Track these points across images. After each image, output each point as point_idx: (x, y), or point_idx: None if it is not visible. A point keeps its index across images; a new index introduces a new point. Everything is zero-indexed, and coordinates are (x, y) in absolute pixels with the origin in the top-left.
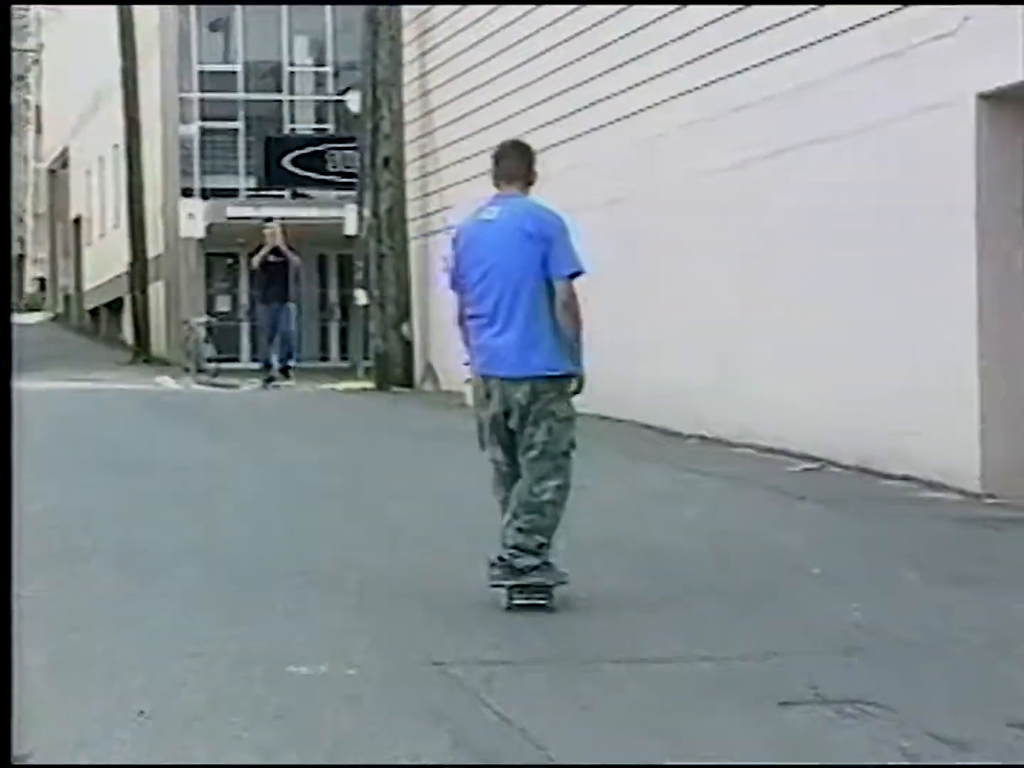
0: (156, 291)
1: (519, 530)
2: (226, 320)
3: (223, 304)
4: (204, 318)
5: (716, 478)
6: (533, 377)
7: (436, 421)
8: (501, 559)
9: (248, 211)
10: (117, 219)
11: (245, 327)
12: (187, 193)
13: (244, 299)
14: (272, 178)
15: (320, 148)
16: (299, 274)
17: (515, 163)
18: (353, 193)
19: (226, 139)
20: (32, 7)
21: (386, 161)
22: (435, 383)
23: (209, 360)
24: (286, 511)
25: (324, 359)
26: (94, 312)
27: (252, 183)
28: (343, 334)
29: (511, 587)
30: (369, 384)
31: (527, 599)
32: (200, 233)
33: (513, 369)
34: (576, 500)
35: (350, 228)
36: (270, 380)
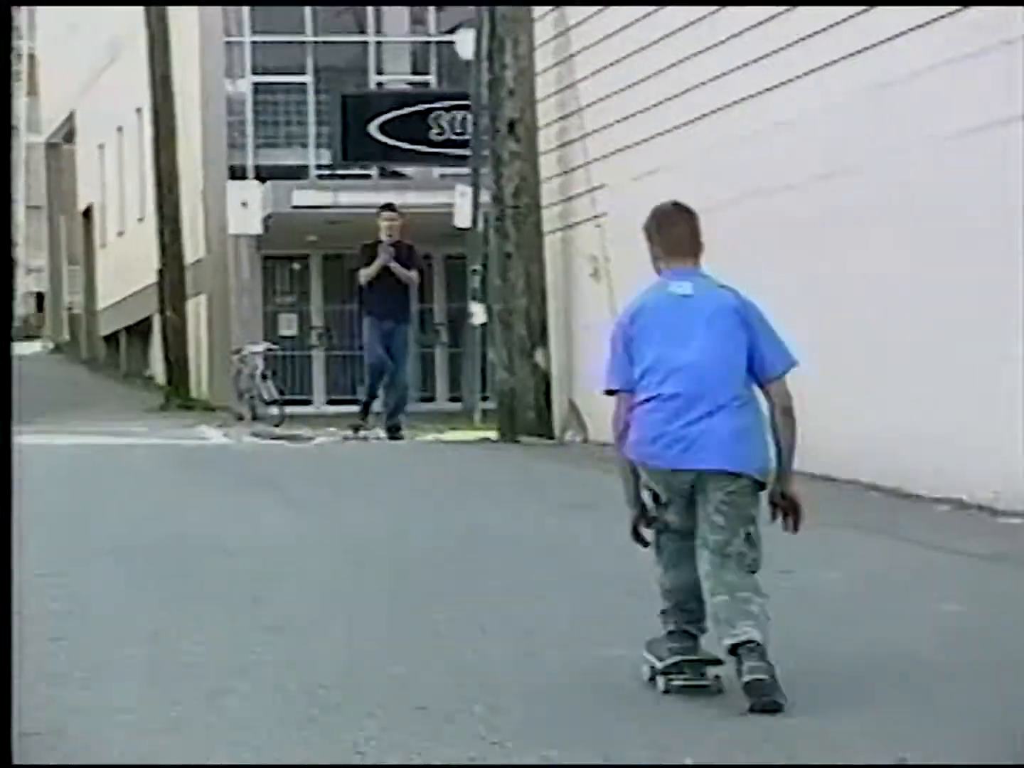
0: (196, 309)
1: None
2: (293, 349)
3: (287, 326)
4: (262, 346)
5: (980, 559)
6: (740, 474)
7: (585, 485)
8: (737, 647)
9: (321, 197)
10: (142, 211)
11: (318, 357)
12: (237, 174)
13: (316, 318)
14: (353, 151)
15: (419, 109)
16: (418, 271)
17: (690, 231)
18: (465, 171)
19: (290, 99)
20: None
21: (511, 125)
22: (582, 431)
23: (270, 403)
24: (378, 619)
25: (427, 399)
26: (111, 339)
27: (325, 159)
28: (453, 364)
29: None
30: (490, 433)
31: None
32: (256, 228)
33: (721, 459)
34: (793, 591)
35: (461, 219)
36: (357, 429)
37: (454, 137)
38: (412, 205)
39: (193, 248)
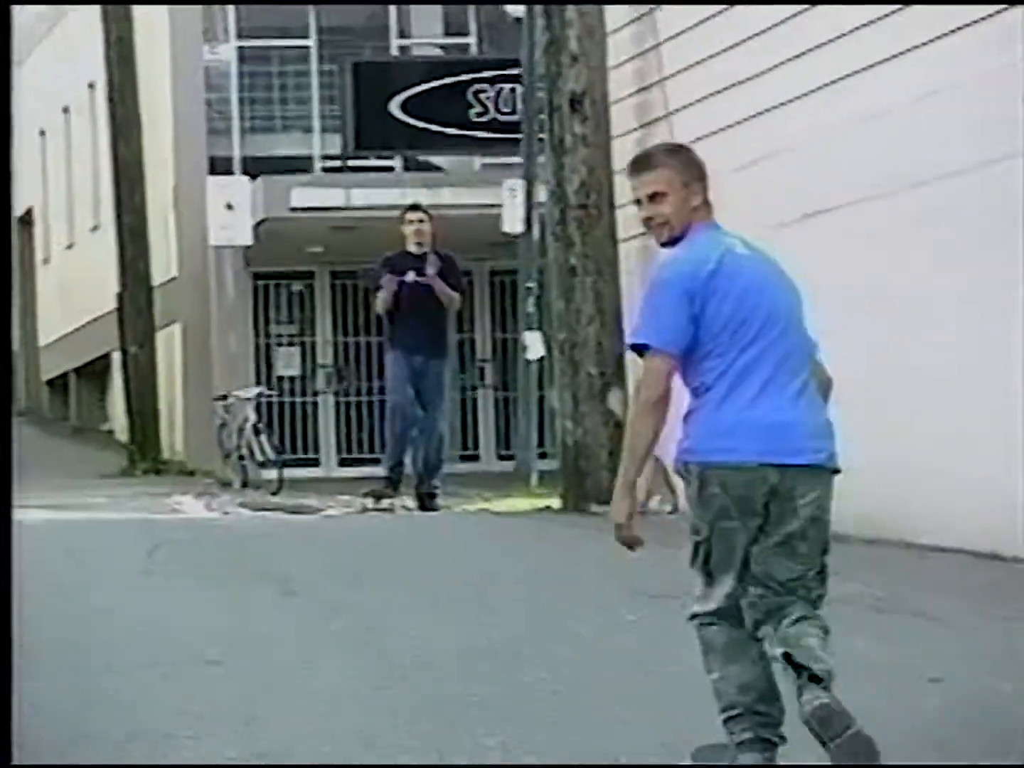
0: (167, 344)
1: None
2: (294, 394)
3: (287, 365)
4: (254, 391)
5: None
6: (827, 469)
7: (680, 571)
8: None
9: (328, 196)
10: (96, 216)
11: (327, 404)
12: (220, 168)
13: (324, 354)
14: (370, 137)
15: (455, 81)
16: (459, 291)
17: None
18: (515, 160)
19: (287, 70)
20: None
21: (575, 101)
22: (670, 497)
23: (264, 465)
24: (408, 754)
25: (470, 457)
26: (57, 383)
27: (334, 147)
28: (502, 412)
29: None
30: (551, 501)
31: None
32: (244, 238)
33: (811, 456)
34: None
35: (511, 222)
36: (380, 497)
37: (500, 117)
38: (446, 205)
39: (163, 265)
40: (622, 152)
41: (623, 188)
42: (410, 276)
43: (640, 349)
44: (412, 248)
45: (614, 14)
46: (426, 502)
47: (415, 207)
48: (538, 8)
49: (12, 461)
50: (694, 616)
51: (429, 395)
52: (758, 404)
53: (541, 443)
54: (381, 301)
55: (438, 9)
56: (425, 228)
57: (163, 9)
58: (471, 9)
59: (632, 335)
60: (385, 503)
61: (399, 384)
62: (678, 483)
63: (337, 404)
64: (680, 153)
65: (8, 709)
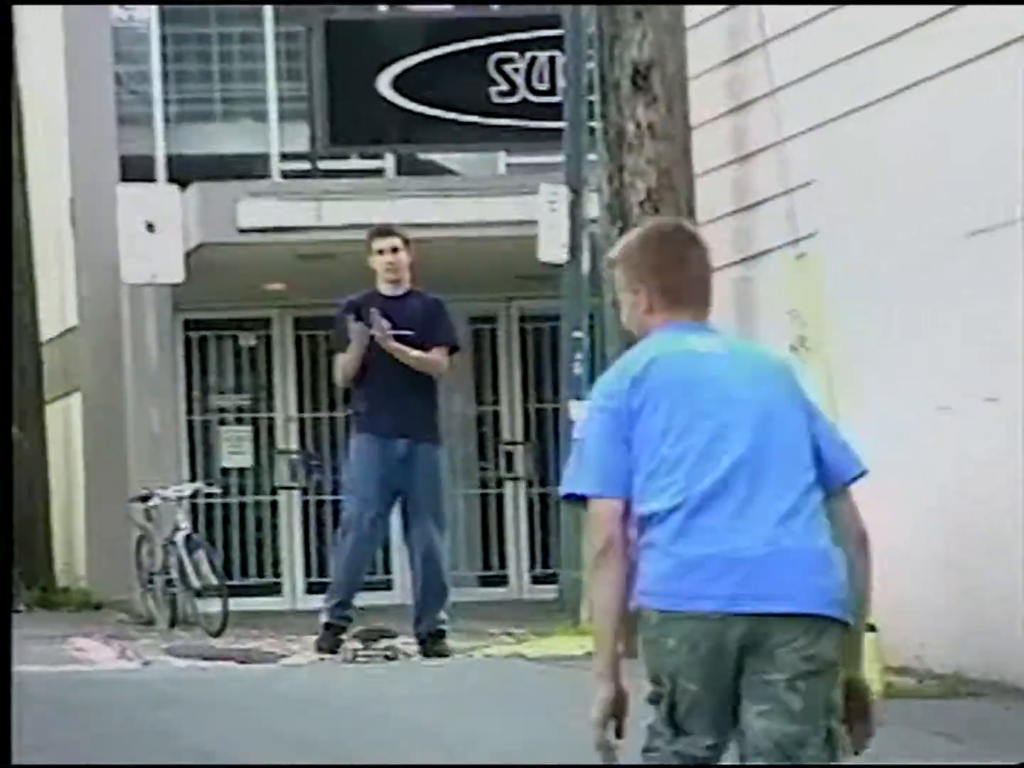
0: (63, 421)
1: None
2: (245, 491)
3: (236, 451)
4: (187, 488)
5: None
6: (821, 617)
7: None
8: None
9: (291, 212)
10: None
11: (292, 506)
12: (136, 172)
13: (286, 435)
14: (349, 126)
15: (470, 47)
16: (449, 345)
17: (708, 273)
18: (555, 159)
19: (230, 31)
20: None
21: (639, 76)
22: None
23: (202, 593)
24: None
25: (494, 579)
26: None
27: (298, 142)
28: (538, 515)
29: None
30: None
31: None
32: (172, 273)
33: (811, 603)
34: None
35: (550, 247)
36: (372, 641)
37: (533, 98)
38: (458, 224)
39: (56, 310)
40: (706, 145)
41: (709, 197)
42: (381, 327)
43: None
44: (384, 288)
45: None
46: (430, 645)
47: (384, 230)
48: None
49: (12, 461)
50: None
51: (419, 496)
52: (722, 537)
53: None
54: (344, 365)
55: None
56: (401, 260)
57: None
58: None
59: (562, 482)
60: (382, 645)
61: (366, 482)
62: None
63: (305, 506)
64: (626, 247)
65: (8, 709)
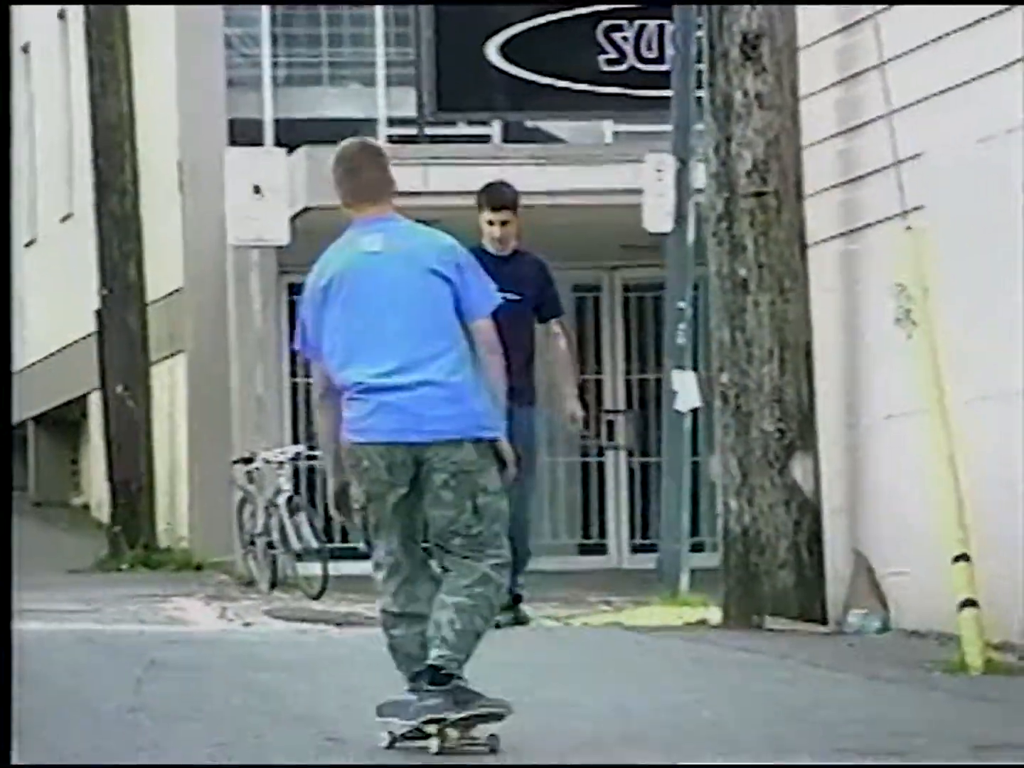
0: (168, 383)
1: (460, 607)
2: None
3: None
4: (290, 451)
5: None
6: (461, 440)
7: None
8: (434, 685)
9: (399, 177)
10: (69, 203)
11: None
12: (244, 136)
13: None
14: (457, 92)
15: (578, 15)
16: (562, 316)
17: (376, 174)
18: (662, 128)
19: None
20: None
21: (748, 45)
22: (879, 609)
23: (303, 556)
24: None
25: (591, 547)
26: (12, 437)
27: (406, 107)
28: (639, 484)
29: (457, 721)
30: (707, 612)
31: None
32: (279, 235)
33: (434, 432)
34: None
35: (656, 216)
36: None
37: (642, 66)
38: (564, 191)
39: (163, 271)
40: (815, 116)
41: (817, 168)
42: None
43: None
44: (491, 246)
45: None
46: (516, 608)
47: (496, 201)
48: None
49: (11, 460)
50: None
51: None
52: (389, 388)
53: (695, 530)
54: None
55: None
56: (509, 232)
57: None
58: None
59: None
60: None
61: None
62: (891, 591)
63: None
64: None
65: (8, 709)
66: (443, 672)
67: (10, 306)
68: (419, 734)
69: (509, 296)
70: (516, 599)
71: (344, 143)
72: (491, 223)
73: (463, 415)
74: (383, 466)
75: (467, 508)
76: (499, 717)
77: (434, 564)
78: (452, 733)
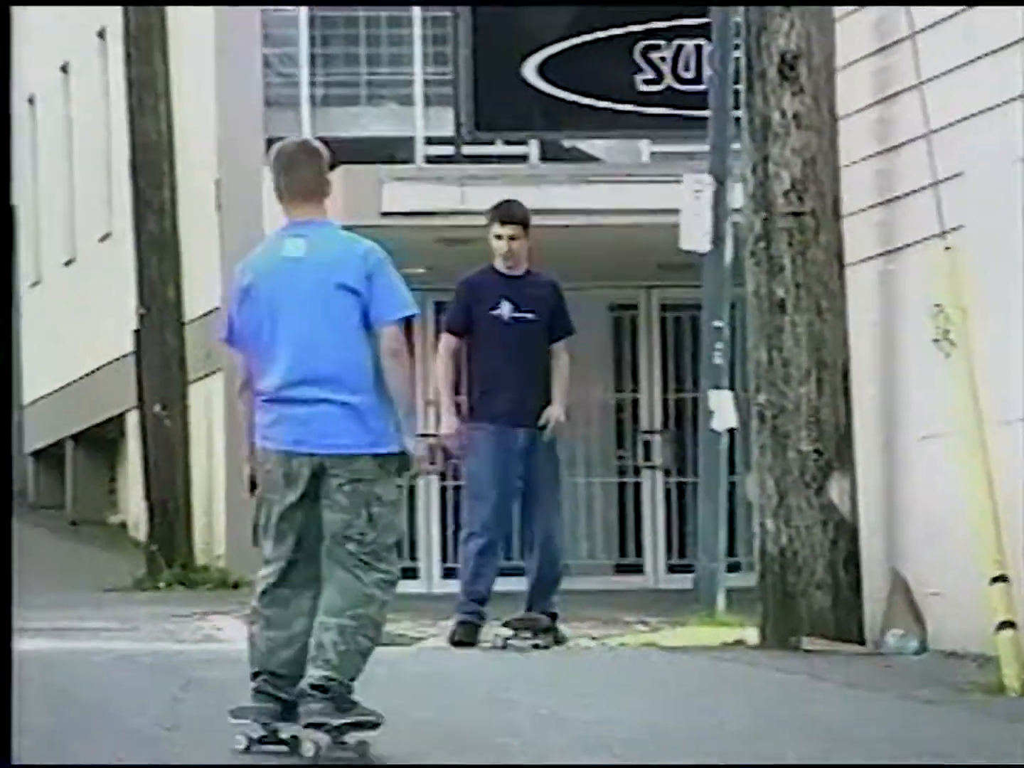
0: (206, 401)
1: (343, 630)
2: None
3: None
4: None
5: None
6: (355, 456)
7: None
8: (314, 688)
9: (435, 196)
10: (109, 222)
11: (430, 489)
12: None
13: (425, 420)
14: (494, 112)
15: (616, 35)
16: (570, 336)
17: (311, 175)
18: (700, 148)
19: (377, 15)
20: None
21: (787, 65)
22: (916, 630)
23: None
24: None
25: (628, 568)
26: (48, 456)
27: (443, 126)
28: (675, 504)
29: (337, 727)
30: (744, 632)
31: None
32: None
33: (332, 445)
34: None
35: (693, 235)
36: (523, 630)
37: (679, 87)
38: (601, 210)
39: (201, 289)
40: (853, 136)
41: (855, 188)
42: (505, 309)
43: None
44: (502, 266)
45: None
46: (546, 631)
47: (506, 216)
48: None
49: (11, 457)
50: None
51: (538, 483)
52: (292, 401)
53: (731, 550)
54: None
55: None
56: (518, 248)
57: None
58: None
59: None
60: (531, 634)
61: (494, 473)
62: (929, 612)
63: (443, 490)
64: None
65: (8, 709)
66: (326, 689)
67: (11, 300)
68: (275, 738)
69: (522, 316)
70: (552, 617)
71: (283, 141)
72: (499, 237)
73: (362, 431)
74: (280, 473)
75: (362, 515)
76: (374, 726)
77: (320, 578)
78: (323, 739)
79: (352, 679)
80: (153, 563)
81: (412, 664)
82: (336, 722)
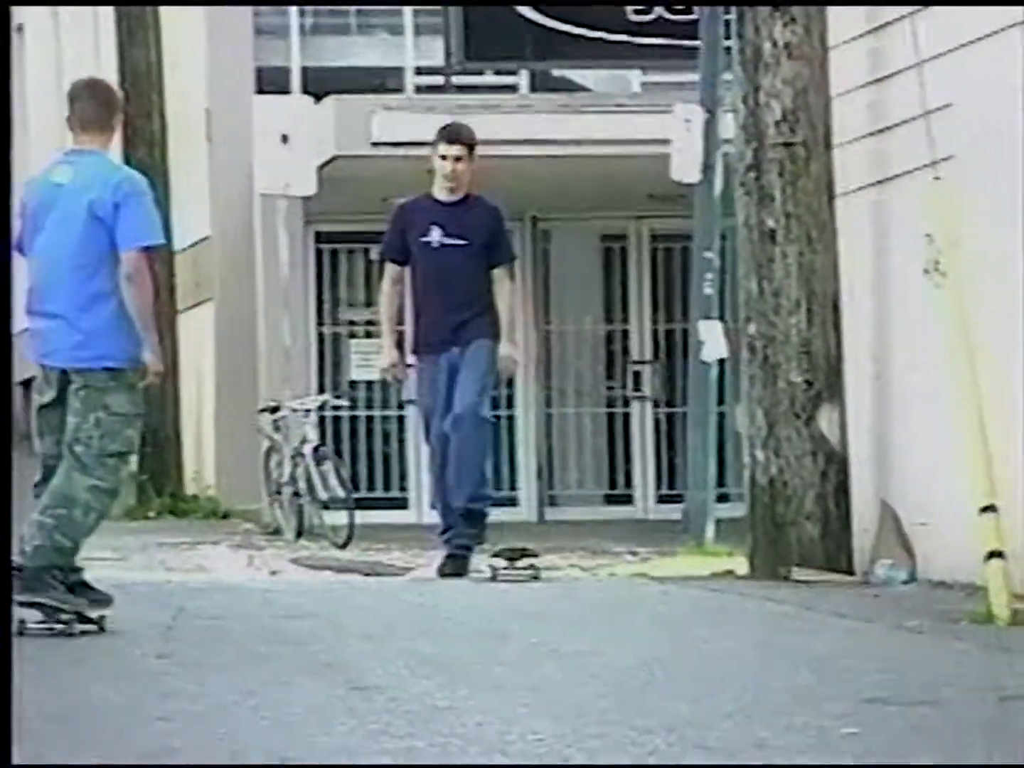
0: (195, 331)
1: (42, 526)
2: (373, 406)
3: (363, 364)
4: (316, 400)
5: None
6: (89, 369)
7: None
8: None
9: (424, 126)
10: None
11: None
12: (272, 84)
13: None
14: (484, 41)
15: None
16: (512, 263)
17: (92, 107)
18: (690, 78)
19: None
20: None
21: None
22: (905, 560)
23: (329, 505)
24: None
25: (618, 498)
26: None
27: (433, 56)
28: (665, 435)
29: (26, 603)
30: (733, 562)
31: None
32: (306, 185)
33: (68, 359)
34: None
35: (684, 166)
36: (517, 559)
37: (669, 16)
38: (592, 140)
39: (189, 220)
40: (845, 66)
41: (845, 119)
42: (435, 235)
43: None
44: (440, 193)
45: None
46: (447, 563)
47: (452, 135)
48: None
49: (11, 451)
50: None
51: (464, 378)
52: (49, 317)
53: (721, 480)
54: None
55: None
56: (461, 170)
57: None
58: None
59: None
60: (524, 564)
61: (426, 407)
62: (918, 542)
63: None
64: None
65: (8, 709)
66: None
67: (10, 291)
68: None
69: (452, 241)
70: (463, 550)
71: (78, 78)
72: (444, 157)
73: (93, 346)
74: (41, 375)
75: (90, 420)
76: (53, 609)
77: None
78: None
79: (44, 568)
80: (143, 493)
81: (403, 595)
82: (20, 599)
